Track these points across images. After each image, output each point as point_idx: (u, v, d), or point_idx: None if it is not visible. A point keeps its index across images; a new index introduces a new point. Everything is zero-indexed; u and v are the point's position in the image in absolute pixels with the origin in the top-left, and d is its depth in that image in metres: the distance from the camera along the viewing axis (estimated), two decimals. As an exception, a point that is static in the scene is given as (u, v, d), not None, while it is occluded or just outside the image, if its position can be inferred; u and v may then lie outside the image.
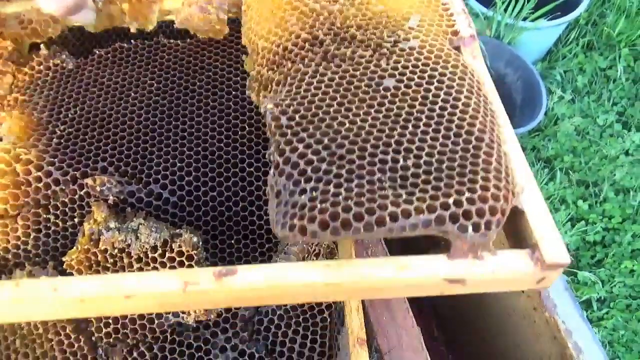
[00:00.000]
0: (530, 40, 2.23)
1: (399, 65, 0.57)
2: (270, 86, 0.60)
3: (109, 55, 0.79)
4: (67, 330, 0.65)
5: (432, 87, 0.55)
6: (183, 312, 0.64)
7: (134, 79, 0.76)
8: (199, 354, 0.66)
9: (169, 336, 0.66)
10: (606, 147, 2.13)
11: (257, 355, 0.66)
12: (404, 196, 0.47)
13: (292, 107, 0.54)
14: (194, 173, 0.70)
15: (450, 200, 0.46)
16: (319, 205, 0.46)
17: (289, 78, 0.58)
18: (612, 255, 1.98)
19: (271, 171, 0.51)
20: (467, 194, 0.46)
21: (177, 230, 0.65)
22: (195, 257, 0.63)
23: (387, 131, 0.51)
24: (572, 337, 0.70)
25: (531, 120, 2.10)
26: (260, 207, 0.69)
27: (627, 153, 2.12)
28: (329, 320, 0.67)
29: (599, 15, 2.36)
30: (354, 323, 0.65)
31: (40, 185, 0.66)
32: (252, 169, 0.70)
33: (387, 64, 0.58)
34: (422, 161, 0.49)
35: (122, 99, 0.74)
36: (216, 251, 0.68)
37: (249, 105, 0.74)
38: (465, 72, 0.58)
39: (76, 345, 0.65)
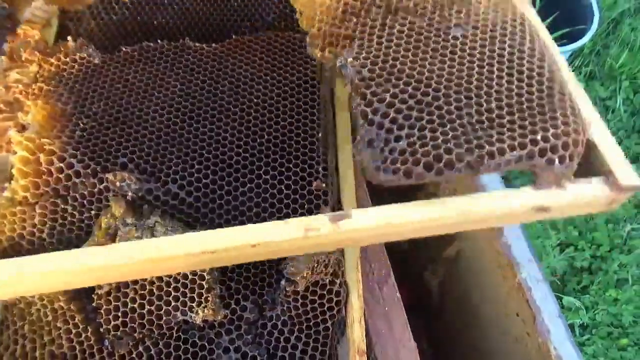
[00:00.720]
0: (534, 66, 2.27)
1: (462, 15, 0.62)
2: (338, 41, 0.62)
3: (135, 53, 0.80)
4: (76, 320, 0.66)
5: (497, 34, 0.59)
6: (191, 311, 0.65)
7: (158, 78, 0.78)
8: (203, 352, 0.67)
9: (174, 333, 0.67)
10: (600, 176, 2.17)
11: (258, 358, 0.67)
12: (495, 136, 0.51)
13: (370, 60, 0.58)
14: (211, 176, 0.71)
15: (538, 137, 0.51)
16: (420, 149, 0.51)
17: (357, 32, 0.61)
18: (597, 282, 2.02)
19: (360, 122, 0.54)
20: (551, 130, 0.51)
21: (192, 231, 0.67)
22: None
23: (465, 77, 0.56)
24: (561, 363, 0.73)
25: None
26: (272, 214, 0.71)
27: (620, 184, 2.16)
28: (330, 329, 0.69)
29: (602, 46, 2.41)
30: (355, 334, 0.67)
31: (62, 176, 0.68)
32: (267, 177, 0.72)
33: (451, 14, 0.62)
34: (504, 103, 0.54)
35: (145, 98, 0.76)
36: (226, 254, 0.70)
37: (268, 114, 0.76)
38: (523, 18, 0.62)
39: (83, 335, 0.66)
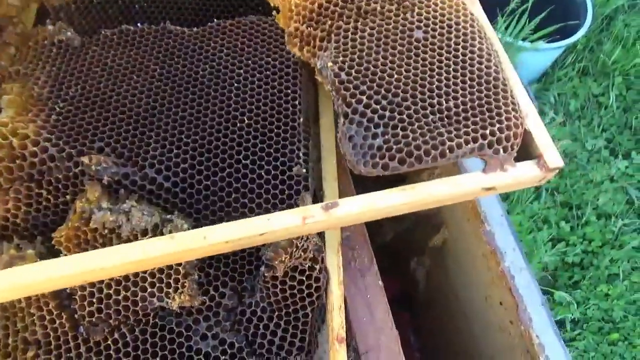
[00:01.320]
0: (527, 61, 2.27)
1: (423, 17, 0.69)
2: (314, 42, 0.69)
3: (114, 36, 0.79)
4: (50, 306, 0.65)
5: (452, 36, 0.68)
6: (167, 297, 0.64)
7: (137, 62, 0.77)
8: (180, 339, 0.66)
9: (151, 320, 0.66)
10: (592, 171, 2.18)
11: (236, 345, 0.66)
12: (454, 132, 0.62)
13: (347, 64, 0.65)
14: (189, 160, 0.70)
15: (487, 132, 0.62)
16: (394, 146, 0.60)
17: (332, 35, 0.68)
18: (589, 277, 2.02)
19: (341, 120, 0.62)
20: (497, 125, 0.62)
21: (168, 216, 0.66)
22: (185, 244, 0.64)
23: (427, 79, 0.65)
24: (544, 351, 0.72)
25: (522, 139, 2.13)
26: (252, 199, 0.70)
27: (612, 179, 2.17)
28: (310, 316, 0.68)
29: (596, 42, 2.41)
30: (335, 321, 0.67)
31: (35, 160, 0.66)
32: (247, 162, 0.71)
33: (413, 17, 0.69)
34: (459, 102, 0.63)
35: (124, 82, 0.75)
36: (205, 240, 0.69)
37: (249, 99, 0.75)
38: (473, 19, 0.70)
39: (57, 321, 0.65)
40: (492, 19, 2.16)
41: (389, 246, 1.03)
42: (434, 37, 0.68)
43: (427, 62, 0.66)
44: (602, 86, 2.35)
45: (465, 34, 0.68)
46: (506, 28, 2.18)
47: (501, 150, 0.62)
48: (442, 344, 1.02)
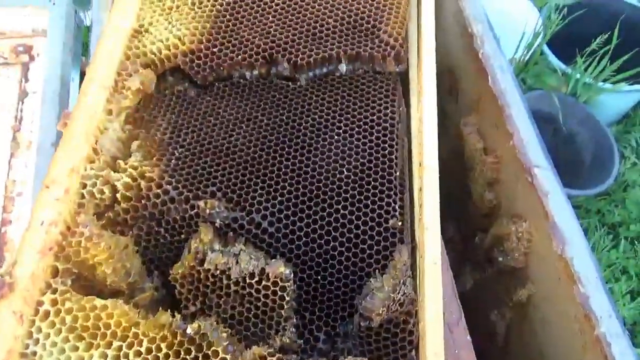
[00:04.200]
0: (607, 102, 2.19)
1: None
2: None
3: (226, 88, 0.86)
4: None
5: None
6: (269, 338, 0.68)
7: (246, 113, 0.83)
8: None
9: None
10: (677, 221, 2.04)
11: (329, 390, 0.69)
12: None
13: None
14: (292, 208, 0.75)
15: None
16: None
17: None
18: (670, 335, 1.87)
19: None
20: None
21: (272, 260, 0.70)
22: (287, 289, 0.68)
23: None
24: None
25: (600, 183, 2.05)
26: (349, 248, 0.73)
27: (698, 230, 2.02)
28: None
29: (684, 86, 2.28)
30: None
31: (158, 201, 0.73)
32: (345, 212, 0.75)
33: None
34: None
35: (234, 131, 0.81)
36: (302, 284, 0.73)
37: (348, 151, 0.79)
38: None
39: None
40: (571, 59, 2.12)
41: (466, 297, 1.02)
42: None
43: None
44: (690, 130, 2.22)
45: None
46: (586, 69, 2.12)
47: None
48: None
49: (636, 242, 2.06)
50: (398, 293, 0.67)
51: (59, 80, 1.27)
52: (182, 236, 0.74)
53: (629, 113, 2.32)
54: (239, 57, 0.84)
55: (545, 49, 2.14)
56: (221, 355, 0.61)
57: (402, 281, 0.67)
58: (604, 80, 2.11)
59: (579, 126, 2.21)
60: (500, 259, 0.95)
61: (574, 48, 2.15)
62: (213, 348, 0.61)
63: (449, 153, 0.79)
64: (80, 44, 1.44)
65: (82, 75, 1.48)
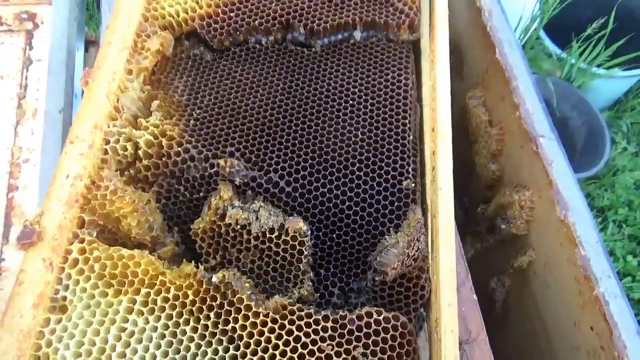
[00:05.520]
0: (600, 87, 2.24)
1: None
2: None
3: (242, 53, 0.87)
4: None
5: None
6: (287, 291, 0.71)
7: (262, 77, 0.85)
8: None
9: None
10: (665, 205, 2.11)
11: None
12: None
13: None
14: (309, 169, 0.77)
15: None
16: None
17: None
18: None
19: None
20: None
21: (290, 218, 0.72)
22: (306, 244, 0.71)
23: None
24: (638, 379, 0.73)
25: (590, 167, 2.10)
26: (363, 208, 0.75)
27: (686, 214, 2.09)
28: (411, 322, 0.72)
29: (675, 73, 2.33)
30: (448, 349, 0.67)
31: (179, 159, 0.75)
32: (361, 173, 0.77)
33: None
34: None
35: (251, 94, 0.83)
36: (318, 242, 0.75)
37: (363, 115, 0.81)
38: None
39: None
40: (566, 43, 2.16)
41: (468, 265, 1.06)
42: None
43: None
44: (680, 117, 2.28)
45: None
46: (580, 54, 2.16)
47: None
48: (519, 364, 1.03)
49: (624, 225, 2.12)
50: (412, 249, 0.70)
51: (65, 49, 1.26)
52: (201, 194, 0.76)
53: (620, 99, 2.37)
54: (256, 22, 0.86)
55: (542, 33, 2.17)
56: (246, 302, 0.63)
57: (416, 237, 0.70)
58: (599, 66, 2.15)
59: (572, 111, 2.25)
60: (503, 226, 0.98)
61: (570, 33, 2.19)
62: (238, 295, 0.63)
63: (453, 129, 0.82)
64: (84, 13, 1.43)
65: (87, 45, 1.47)
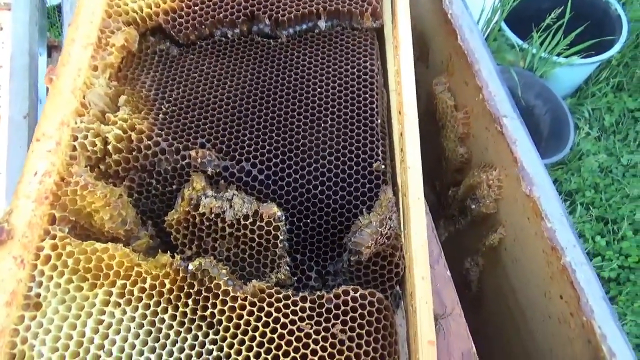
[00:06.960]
0: (562, 76, 2.32)
1: None
2: None
3: (209, 46, 0.88)
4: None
5: None
6: (264, 276, 0.71)
7: (230, 69, 0.85)
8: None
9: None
10: (628, 186, 2.19)
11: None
12: None
13: None
14: (280, 156, 0.78)
15: None
16: None
17: None
18: (625, 293, 2.02)
19: None
20: None
21: (264, 204, 0.73)
22: (280, 229, 0.71)
23: None
24: (606, 341, 0.77)
25: (556, 152, 2.17)
26: (336, 192, 0.77)
27: (649, 194, 2.18)
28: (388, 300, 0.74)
29: (631, 58, 2.44)
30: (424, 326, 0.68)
31: (149, 152, 0.75)
32: (332, 158, 0.78)
33: None
34: None
35: (219, 86, 0.83)
36: (292, 227, 0.76)
37: (331, 102, 0.83)
38: None
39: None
40: (527, 34, 2.23)
41: (442, 248, 1.09)
42: None
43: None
44: (637, 101, 2.38)
45: None
46: (541, 44, 2.23)
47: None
48: (497, 341, 1.06)
49: (591, 207, 2.20)
50: (385, 227, 0.72)
51: (27, 54, 1.24)
52: (174, 187, 0.76)
53: (581, 86, 2.46)
54: (221, 15, 0.86)
55: (503, 25, 2.24)
56: (223, 287, 0.64)
57: (388, 216, 0.72)
58: (559, 54, 2.23)
59: (536, 99, 2.33)
60: (473, 206, 1.01)
61: (530, 24, 2.26)
62: (215, 282, 0.64)
63: (421, 117, 0.85)
64: (46, 19, 1.41)
65: (50, 50, 1.45)
